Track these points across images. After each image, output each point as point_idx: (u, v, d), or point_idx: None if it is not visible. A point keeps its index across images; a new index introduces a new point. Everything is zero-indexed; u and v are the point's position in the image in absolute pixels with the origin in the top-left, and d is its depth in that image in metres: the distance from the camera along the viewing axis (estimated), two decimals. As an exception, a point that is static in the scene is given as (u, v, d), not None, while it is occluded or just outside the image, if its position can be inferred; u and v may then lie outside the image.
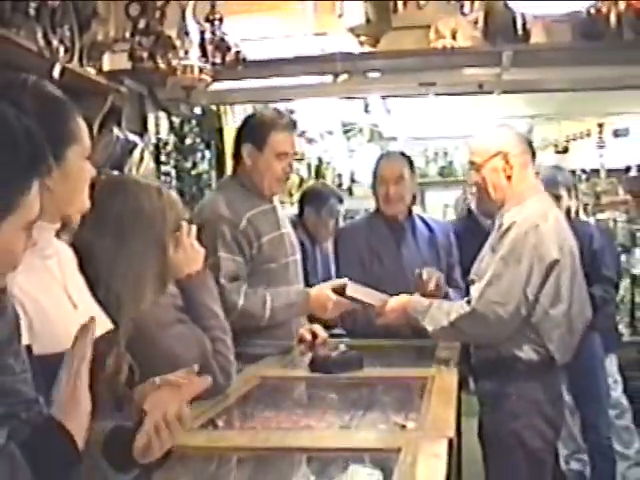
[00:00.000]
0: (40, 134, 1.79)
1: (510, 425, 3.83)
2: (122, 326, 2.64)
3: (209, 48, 4.54)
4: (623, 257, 7.90)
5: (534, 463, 3.86)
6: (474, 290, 3.79)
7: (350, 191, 10.50)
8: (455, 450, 2.78)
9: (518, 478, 3.85)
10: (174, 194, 3.11)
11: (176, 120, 5.89)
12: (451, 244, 5.10)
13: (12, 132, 1.72)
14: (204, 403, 2.90)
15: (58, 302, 2.34)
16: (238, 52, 4.65)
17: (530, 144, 4.22)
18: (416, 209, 5.36)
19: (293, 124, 4.32)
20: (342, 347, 3.71)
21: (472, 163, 4.13)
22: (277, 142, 4.16)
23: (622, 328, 7.86)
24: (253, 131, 4.24)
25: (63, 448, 1.76)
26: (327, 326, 4.62)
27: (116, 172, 4.76)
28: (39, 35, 3.78)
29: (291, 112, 7.84)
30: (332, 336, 4.50)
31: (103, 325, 2.51)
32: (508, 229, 3.78)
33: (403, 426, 2.76)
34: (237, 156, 4.29)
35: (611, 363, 6.25)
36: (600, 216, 9.17)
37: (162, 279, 2.86)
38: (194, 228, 3.10)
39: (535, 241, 3.78)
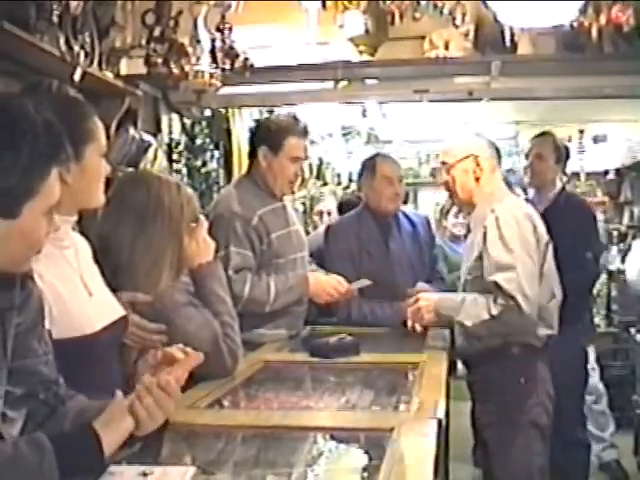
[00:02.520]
0: (58, 125, 1.80)
1: (523, 406, 3.83)
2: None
3: (219, 55, 4.54)
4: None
5: (542, 439, 3.85)
6: (505, 282, 3.70)
7: (347, 189, 10.48)
8: (444, 431, 2.78)
9: (530, 455, 3.84)
10: (190, 190, 3.19)
11: (188, 122, 5.88)
12: (432, 237, 5.10)
13: (32, 122, 1.73)
14: (211, 384, 2.91)
15: (74, 289, 2.35)
16: (246, 59, 4.65)
17: (497, 150, 4.21)
18: (409, 207, 5.35)
19: (306, 130, 4.28)
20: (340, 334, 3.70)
21: (443, 163, 4.11)
22: (292, 147, 4.16)
23: (599, 320, 7.88)
24: (270, 135, 4.22)
25: (90, 455, 1.74)
26: (325, 314, 4.63)
27: (132, 169, 4.77)
28: (62, 41, 3.77)
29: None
30: (330, 324, 4.50)
31: (117, 311, 2.53)
32: (495, 220, 3.75)
33: (396, 407, 2.76)
34: (252, 156, 4.28)
35: (589, 353, 6.27)
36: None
37: (177, 266, 2.95)
38: (206, 223, 3.16)
39: (530, 225, 3.79)
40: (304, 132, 4.25)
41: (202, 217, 3.17)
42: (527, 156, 5.33)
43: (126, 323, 2.60)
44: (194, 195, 3.19)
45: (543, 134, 5.40)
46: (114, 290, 2.63)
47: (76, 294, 2.36)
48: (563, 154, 5.43)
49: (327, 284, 4.18)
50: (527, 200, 5.04)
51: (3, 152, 1.69)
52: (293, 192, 4.54)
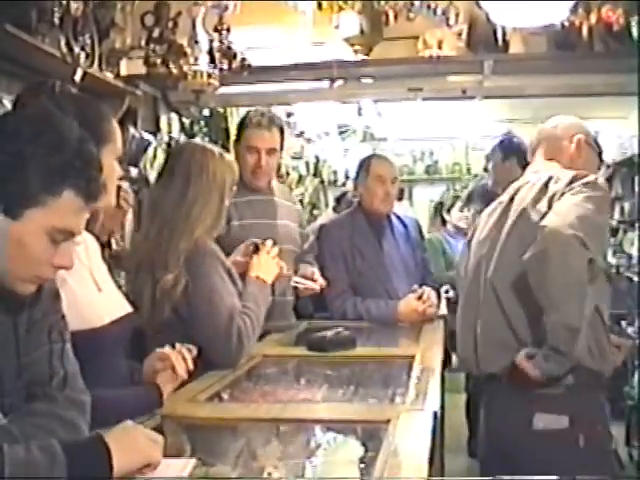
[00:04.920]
0: (94, 156, 1.80)
1: None
2: (171, 255, 3.04)
3: (217, 55, 4.54)
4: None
5: None
6: None
7: (344, 186, 10.50)
8: (439, 423, 2.79)
9: None
10: (231, 157, 3.46)
11: (186, 121, 5.89)
12: (423, 238, 5.10)
13: (63, 138, 1.74)
14: (211, 377, 2.92)
15: (84, 284, 2.38)
16: (243, 59, 4.65)
17: None
18: (404, 204, 5.34)
19: (268, 122, 4.22)
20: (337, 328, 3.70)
21: None
22: (246, 137, 4.21)
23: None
24: (238, 129, 4.36)
25: (98, 468, 1.71)
26: (321, 310, 4.62)
27: (132, 168, 4.77)
28: (62, 43, 3.78)
29: (290, 114, 7.89)
30: (326, 318, 4.50)
31: (125, 308, 2.55)
32: None
33: (392, 400, 2.76)
34: None
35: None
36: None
37: (215, 222, 3.23)
38: (276, 249, 3.56)
39: None
40: (261, 123, 4.20)
41: (269, 242, 3.57)
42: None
43: (134, 321, 2.62)
44: (234, 162, 3.45)
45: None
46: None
47: (85, 288, 2.39)
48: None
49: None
50: None
51: (26, 150, 1.71)
52: (289, 188, 4.50)
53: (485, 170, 6.02)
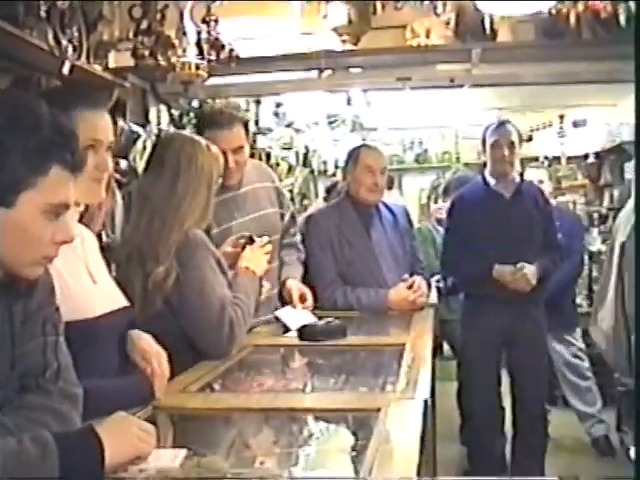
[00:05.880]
0: (69, 129, 1.81)
1: None
2: (162, 247, 3.05)
3: (205, 47, 4.54)
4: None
5: None
6: None
7: (334, 176, 10.49)
8: (430, 411, 2.79)
9: None
10: (217, 149, 3.41)
11: (176, 112, 5.89)
12: (411, 226, 5.08)
13: (36, 116, 1.75)
14: (202, 368, 2.92)
15: (79, 276, 2.38)
16: (231, 50, 4.65)
17: None
18: (394, 193, 5.33)
19: (230, 120, 4.04)
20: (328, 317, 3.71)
21: None
22: (210, 139, 3.90)
23: (581, 300, 7.91)
24: None
25: (89, 459, 1.73)
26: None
27: (122, 160, 4.77)
28: (50, 35, 3.78)
29: (279, 105, 7.88)
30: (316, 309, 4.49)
31: (120, 301, 2.55)
32: None
33: (383, 388, 2.76)
34: None
35: (575, 337, 6.36)
36: (561, 199, 9.20)
37: (203, 214, 3.23)
38: (269, 247, 3.62)
39: None
40: (221, 123, 3.99)
41: (265, 239, 3.64)
42: (493, 146, 5.22)
43: (128, 315, 2.62)
44: (220, 154, 3.42)
45: (506, 122, 5.32)
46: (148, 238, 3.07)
47: (80, 280, 2.40)
48: (520, 141, 5.34)
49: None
50: (491, 189, 5.09)
51: (5, 139, 1.72)
52: (279, 178, 4.44)
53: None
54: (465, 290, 5.30)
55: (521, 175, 5.25)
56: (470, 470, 5.25)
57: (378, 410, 2.27)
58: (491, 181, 5.13)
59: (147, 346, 2.57)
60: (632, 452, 3.82)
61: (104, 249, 2.77)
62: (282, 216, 4.42)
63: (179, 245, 3.08)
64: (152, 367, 2.53)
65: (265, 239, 3.63)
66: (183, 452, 1.97)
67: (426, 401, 2.42)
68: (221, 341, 3.07)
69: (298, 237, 4.56)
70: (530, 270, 4.87)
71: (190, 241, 3.11)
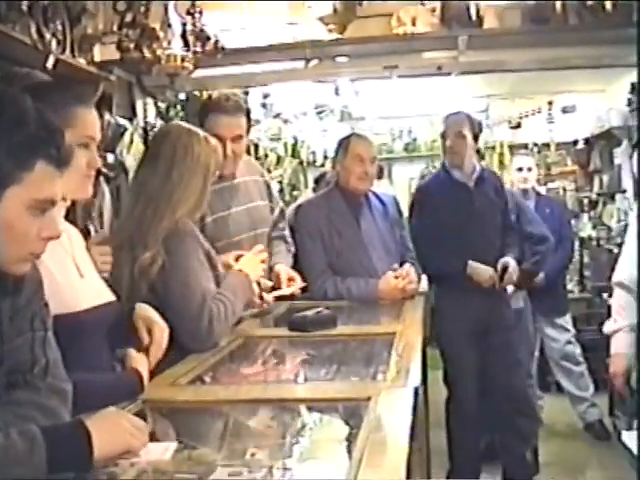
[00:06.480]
0: (55, 124, 1.80)
1: None
2: (152, 234, 3.07)
3: (190, 38, 4.53)
4: (572, 222, 7.92)
5: None
6: None
7: (323, 166, 10.49)
8: (422, 399, 2.80)
9: None
10: (215, 141, 3.42)
11: (162, 105, 5.88)
12: (401, 215, 5.05)
13: (21, 112, 1.74)
14: (192, 361, 2.92)
15: (66, 269, 2.39)
16: (217, 41, 4.65)
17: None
18: (384, 182, 5.33)
19: (235, 107, 4.05)
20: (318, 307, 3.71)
21: None
22: (211, 124, 3.97)
23: (572, 286, 7.94)
24: None
25: (78, 453, 1.73)
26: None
27: (109, 154, 4.76)
28: (33, 30, 3.76)
29: (266, 96, 7.87)
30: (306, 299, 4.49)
31: (107, 296, 2.55)
32: None
33: (374, 377, 2.77)
34: None
35: (567, 321, 6.39)
36: (551, 185, 9.23)
37: (197, 204, 3.25)
38: (265, 254, 3.65)
39: None
40: (227, 109, 4.03)
41: (261, 246, 3.68)
42: (444, 136, 5.22)
43: (115, 309, 2.62)
44: (219, 146, 3.43)
45: (458, 112, 5.32)
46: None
47: (67, 273, 2.40)
48: (479, 130, 5.34)
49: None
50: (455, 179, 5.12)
51: None
52: (267, 170, 4.44)
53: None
54: (439, 283, 5.30)
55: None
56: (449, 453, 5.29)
57: (369, 399, 2.28)
58: (453, 172, 5.16)
59: (153, 315, 2.68)
60: (624, 436, 3.83)
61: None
62: (271, 209, 4.43)
63: (168, 233, 3.09)
64: (154, 335, 2.61)
65: (260, 247, 3.66)
66: (174, 445, 1.98)
67: (417, 389, 2.42)
68: (199, 333, 3.07)
69: (287, 231, 4.55)
70: (512, 266, 4.99)
71: (179, 230, 3.12)
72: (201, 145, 3.27)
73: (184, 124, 3.50)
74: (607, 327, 3.91)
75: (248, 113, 4.18)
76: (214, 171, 3.33)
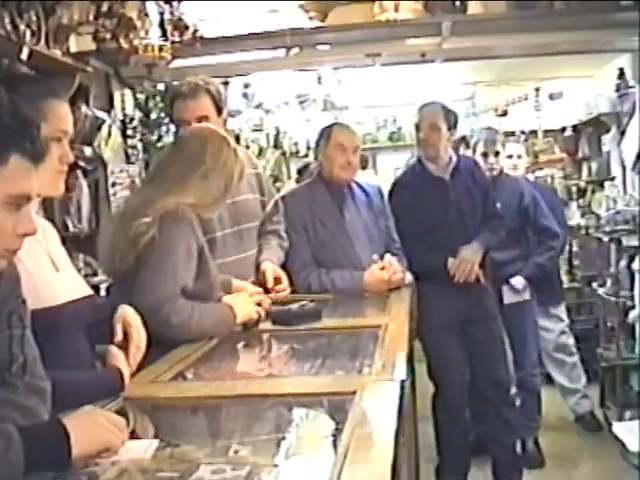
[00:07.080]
0: (28, 117, 1.79)
1: None
2: (154, 210, 3.13)
3: (168, 28, 4.53)
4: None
5: None
6: None
7: (306, 157, 10.49)
8: (409, 392, 2.80)
9: None
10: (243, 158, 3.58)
11: (141, 96, 5.86)
12: (385, 206, 5.01)
13: None
14: (173, 357, 2.92)
15: (41, 264, 2.39)
16: (195, 31, 4.64)
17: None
18: (369, 172, 5.32)
19: (194, 90, 4.06)
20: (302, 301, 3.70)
21: None
22: (175, 111, 4.11)
23: (563, 275, 7.97)
24: None
25: (56, 451, 1.72)
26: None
27: (86, 147, 4.75)
28: (6, 20, 3.75)
29: (247, 85, 7.85)
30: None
31: (83, 290, 2.55)
32: None
33: (359, 371, 2.77)
34: None
35: (562, 311, 6.42)
36: (539, 173, 9.23)
37: (209, 205, 3.33)
38: (260, 297, 3.64)
39: None
40: (185, 93, 4.06)
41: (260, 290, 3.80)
42: (418, 128, 5.23)
43: (93, 304, 2.62)
44: (243, 161, 3.54)
45: (432, 103, 5.31)
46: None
47: (43, 268, 2.40)
48: (454, 120, 5.33)
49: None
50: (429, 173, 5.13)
51: None
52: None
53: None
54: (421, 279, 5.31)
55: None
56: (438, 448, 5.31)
57: (354, 393, 2.28)
58: (428, 165, 5.17)
59: (133, 319, 2.67)
60: (615, 428, 3.85)
61: (72, 239, 2.77)
62: (263, 203, 4.42)
63: (165, 212, 3.11)
64: (130, 337, 2.62)
65: (259, 289, 3.79)
66: (155, 443, 1.97)
67: (403, 382, 2.42)
68: (154, 319, 2.89)
69: (282, 225, 4.52)
70: (467, 255, 4.98)
71: (178, 213, 3.15)
72: (230, 152, 3.38)
73: (219, 129, 3.56)
74: (632, 315, 3.94)
75: (212, 94, 4.11)
76: (236, 181, 3.42)
